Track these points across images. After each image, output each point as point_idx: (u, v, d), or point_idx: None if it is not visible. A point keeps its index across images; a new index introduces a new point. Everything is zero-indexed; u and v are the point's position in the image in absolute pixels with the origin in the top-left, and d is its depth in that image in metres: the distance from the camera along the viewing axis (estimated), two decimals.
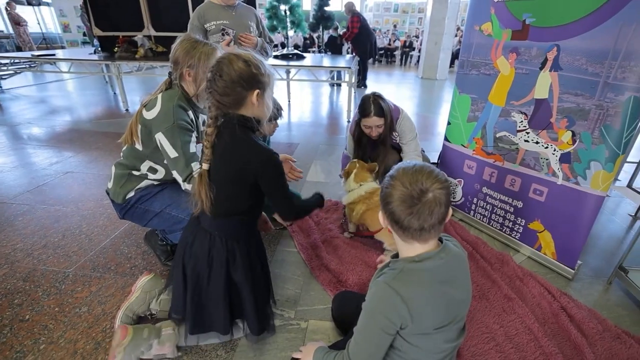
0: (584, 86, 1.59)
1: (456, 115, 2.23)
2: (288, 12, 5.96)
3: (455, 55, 9.79)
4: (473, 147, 2.16)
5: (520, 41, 1.80)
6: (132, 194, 1.60)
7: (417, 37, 12.67)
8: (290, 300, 1.63)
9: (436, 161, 2.52)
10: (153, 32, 5.95)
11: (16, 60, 5.97)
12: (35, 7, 12.93)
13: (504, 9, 1.83)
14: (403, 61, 12.54)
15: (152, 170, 1.60)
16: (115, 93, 6.42)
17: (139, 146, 1.54)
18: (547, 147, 1.78)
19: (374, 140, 2.16)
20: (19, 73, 6.68)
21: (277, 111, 1.86)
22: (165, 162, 1.52)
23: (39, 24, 13.37)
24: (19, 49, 12.65)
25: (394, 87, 7.68)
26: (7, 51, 12.09)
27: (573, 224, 1.75)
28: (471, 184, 2.23)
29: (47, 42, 13.37)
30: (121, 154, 1.62)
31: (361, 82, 7.23)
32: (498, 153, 2.03)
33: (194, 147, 1.48)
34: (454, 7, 8.12)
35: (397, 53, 12.77)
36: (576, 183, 1.70)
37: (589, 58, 1.55)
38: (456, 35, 9.83)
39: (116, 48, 5.50)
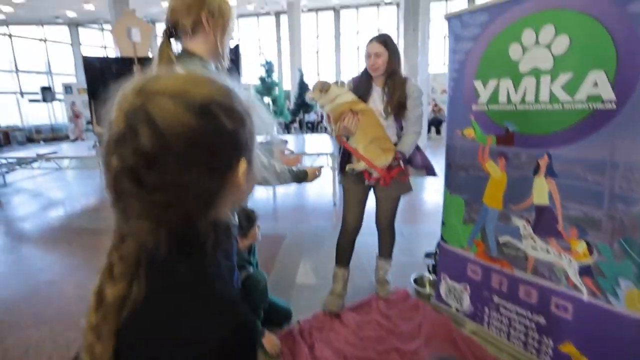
0: (587, 195, 1.35)
1: (450, 216, 1.97)
2: (271, 104, 6.00)
3: (431, 123, 10.01)
4: (474, 250, 1.87)
5: (507, 147, 1.60)
6: None
7: None
8: None
9: (434, 253, 2.21)
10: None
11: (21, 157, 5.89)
12: (49, 103, 13.21)
13: (484, 117, 1.66)
14: None
15: None
16: None
17: None
18: (560, 257, 1.49)
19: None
20: (23, 167, 6.56)
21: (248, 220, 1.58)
22: None
23: (49, 117, 13.60)
24: (29, 140, 12.88)
25: None
26: (18, 142, 12.60)
27: (617, 350, 1.38)
28: (479, 291, 1.89)
29: (54, 131, 13.88)
30: None
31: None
32: (504, 259, 1.73)
33: None
34: (424, 82, 8.39)
35: None
36: (607, 302, 1.37)
37: (586, 167, 1.34)
38: (429, 104, 10.12)
39: None
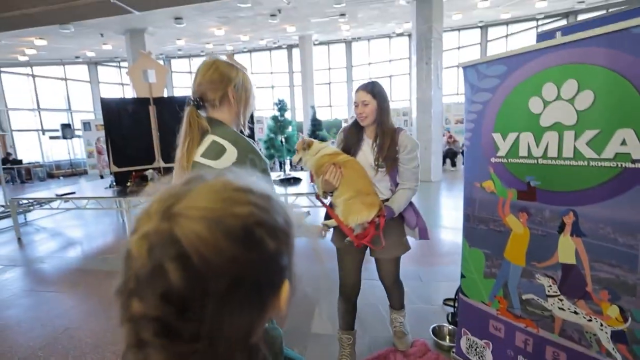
0: (618, 257, 1.29)
1: (470, 269, 1.91)
2: (284, 142, 6.09)
3: (445, 155, 9.93)
4: (496, 307, 1.79)
5: (529, 202, 1.55)
6: None
7: None
8: None
9: (452, 309, 2.13)
10: (162, 164, 6.02)
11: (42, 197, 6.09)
12: (69, 140, 13.79)
13: (504, 170, 1.63)
14: None
15: None
16: (123, 221, 6.31)
17: None
18: (590, 320, 1.41)
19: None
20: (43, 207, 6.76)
21: None
22: None
23: (68, 153, 14.15)
24: (50, 176, 13.43)
25: None
26: (39, 178, 13.26)
27: None
28: (502, 350, 1.80)
29: (72, 166, 14.46)
30: None
31: None
32: (529, 318, 1.65)
33: None
34: (437, 115, 8.41)
35: None
36: None
37: (616, 228, 1.28)
38: (444, 135, 10.06)
39: (129, 183, 5.53)
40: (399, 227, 1.92)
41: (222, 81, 1.18)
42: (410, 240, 2.00)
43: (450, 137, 10.49)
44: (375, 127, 1.82)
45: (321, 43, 14.99)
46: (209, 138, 1.13)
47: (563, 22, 11.32)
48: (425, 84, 8.11)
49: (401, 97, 15.39)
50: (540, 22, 11.92)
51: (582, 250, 1.40)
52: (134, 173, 5.65)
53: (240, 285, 0.33)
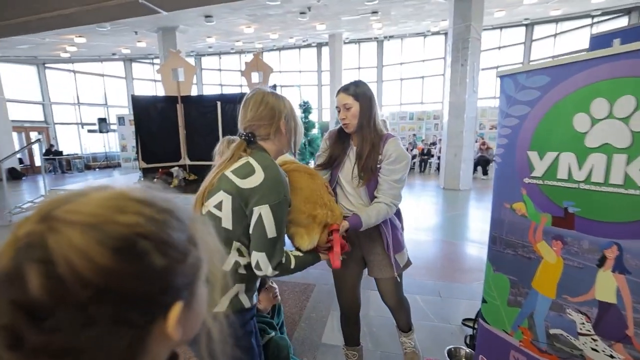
0: None
1: (492, 295, 1.77)
2: (307, 145, 6.04)
3: (477, 162, 9.53)
4: (520, 338, 1.65)
5: (565, 229, 1.40)
6: (223, 308, 1.14)
7: (434, 144, 12.67)
8: None
9: (472, 331, 1.99)
10: (188, 162, 6.13)
11: None
12: (104, 134, 14.48)
13: (539, 192, 1.49)
14: (422, 168, 12.38)
15: (240, 253, 1.19)
16: None
17: (227, 224, 1.14)
18: None
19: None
20: None
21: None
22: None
23: (104, 146, 14.88)
24: (87, 167, 14.27)
25: (413, 200, 7.30)
26: (77, 169, 14.17)
27: None
28: None
29: (107, 159, 15.33)
30: None
31: None
32: (555, 354, 1.50)
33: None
34: (471, 121, 8.08)
35: (416, 160, 12.69)
36: None
37: None
38: (476, 141, 9.68)
39: (155, 180, 5.66)
40: (381, 244, 1.72)
41: (274, 117, 1.23)
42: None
43: (484, 143, 10.07)
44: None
45: (351, 41, 14.84)
46: (245, 159, 1.18)
47: (623, 20, 10.29)
48: (459, 87, 7.80)
49: (433, 100, 15.00)
50: (595, 20, 10.84)
51: (625, 289, 1.25)
52: (160, 170, 5.78)
53: (107, 298, 0.30)
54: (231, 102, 5.56)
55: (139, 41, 11.32)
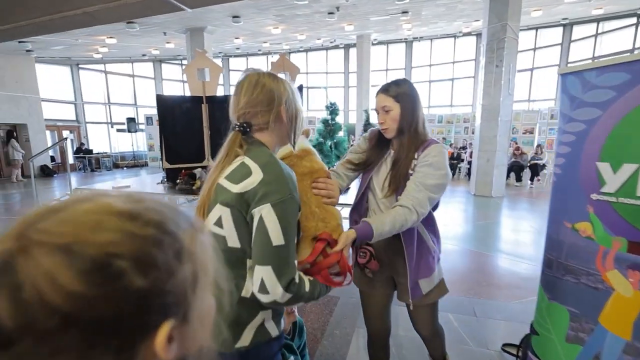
0: None
1: (546, 327, 1.54)
2: (334, 147, 5.87)
3: (510, 168, 9.07)
4: None
5: None
6: (247, 342, 0.97)
7: (464, 148, 12.23)
8: None
9: (517, 347, 1.76)
10: (212, 163, 6.09)
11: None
12: (133, 133, 14.87)
13: (611, 211, 1.26)
14: (451, 173, 11.90)
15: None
16: None
17: (233, 242, 0.95)
18: None
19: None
20: None
21: None
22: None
23: (132, 145, 15.27)
24: (115, 166, 14.68)
25: (442, 206, 6.87)
26: (106, 167, 14.58)
27: None
28: None
29: (135, 158, 15.71)
30: None
31: None
32: None
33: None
34: (505, 125, 7.68)
35: None
36: None
37: None
38: (510, 146, 9.21)
39: (178, 180, 5.65)
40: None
41: (272, 101, 1.02)
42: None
43: (518, 148, 9.58)
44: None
45: (380, 43, 14.60)
46: (240, 159, 0.99)
47: None
48: (493, 89, 7.43)
49: (463, 102, 14.54)
50: None
51: None
52: (183, 171, 5.77)
53: (77, 325, 0.29)
54: None
55: (167, 42, 11.52)
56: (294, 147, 1.15)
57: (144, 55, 14.09)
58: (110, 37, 10.27)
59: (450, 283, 1.64)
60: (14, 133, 11.75)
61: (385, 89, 1.42)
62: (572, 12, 10.54)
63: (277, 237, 0.89)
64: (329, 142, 5.80)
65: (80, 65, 14.49)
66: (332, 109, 5.82)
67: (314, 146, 6.16)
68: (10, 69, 11.63)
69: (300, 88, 4.49)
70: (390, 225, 1.23)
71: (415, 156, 1.38)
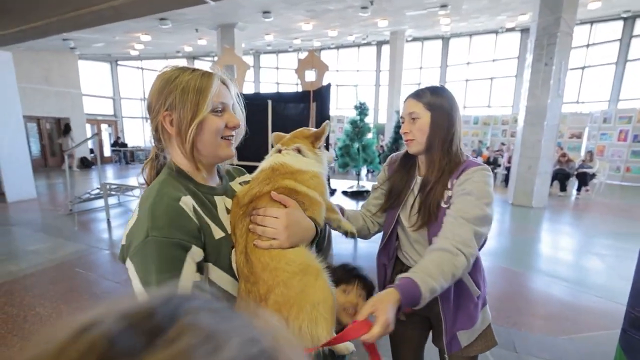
0: None
1: None
2: (361, 150, 5.54)
3: (555, 176, 8.35)
4: None
5: None
6: None
7: (500, 151, 11.47)
8: None
9: None
10: (236, 162, 5.96)
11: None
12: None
13: None
14: None
15: None
16: None
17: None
18: None
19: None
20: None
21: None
22: None
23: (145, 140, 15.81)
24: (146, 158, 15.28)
25: None
26: (140, 161, 14.94)
27: None
28: None
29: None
30: None
31: None
32: None
33: (189, 277, 0.68)
34: (552, 129, 7.03)
35: None
36: None
37: None
38: (556, 152, 8.49)
39: None
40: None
41: (150, 109, 0.81)
42: (489, 287, 1.30)
43: (564, 155, 8.79)
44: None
45: (415, 39, 14.03)
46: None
47: None
48: (540, 90, 6.80)
49: (502, 103, 13.73)
50: None
51: None
52: None
53: None
54: (283, 101, 5.28)
55: (199, 39, 11.59)
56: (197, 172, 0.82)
57: (178, 52, 14.34)
58: (145, 34, 10.44)
59: None
60: (69, 126, 12.28)
61: (417, 94, 1.13)
62: (636, 4, 9.58)
63: (138, 286, 0.67)
64: (356, 145, 5.47)
65: (118, 62, 14.98)
66: (362, 109, 5.49)
67: (340, 148, 5.78)
68: (57, 66, 12.21)
69: (329, 86, 4.20)
70: (442, 277, 0.91)
71: (449, 185, 1.08)
